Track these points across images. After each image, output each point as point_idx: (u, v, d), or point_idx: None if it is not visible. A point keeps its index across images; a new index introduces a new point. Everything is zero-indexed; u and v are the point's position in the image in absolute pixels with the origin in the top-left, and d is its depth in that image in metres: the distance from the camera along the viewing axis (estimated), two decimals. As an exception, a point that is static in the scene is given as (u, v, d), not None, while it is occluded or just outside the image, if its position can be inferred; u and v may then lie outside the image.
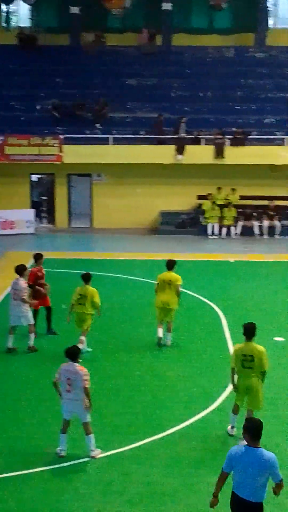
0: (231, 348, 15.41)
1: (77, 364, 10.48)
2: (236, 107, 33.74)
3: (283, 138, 31.59)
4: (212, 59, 36.61)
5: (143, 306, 18.82)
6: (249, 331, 10.96)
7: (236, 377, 11.08)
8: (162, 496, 9.44)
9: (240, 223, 30.71)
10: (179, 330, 16.66)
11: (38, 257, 16.47)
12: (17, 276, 15.25)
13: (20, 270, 15.35)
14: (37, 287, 15.94)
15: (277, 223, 30.62)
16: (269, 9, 37.77)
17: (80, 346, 13.32)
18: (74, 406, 10.37)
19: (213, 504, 7.92)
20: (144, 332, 16.61)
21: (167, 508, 9.17)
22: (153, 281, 16.37)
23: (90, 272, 15.24)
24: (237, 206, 30.99)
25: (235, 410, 11.22)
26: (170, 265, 15.81)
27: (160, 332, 15.56)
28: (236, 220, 30.76)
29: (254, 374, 10.84)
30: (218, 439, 11.13)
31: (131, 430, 11.45)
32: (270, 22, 38.49)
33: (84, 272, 15.31)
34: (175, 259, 16.18)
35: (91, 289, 14.75)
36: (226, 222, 30.61)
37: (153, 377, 13.92)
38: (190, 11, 38.43)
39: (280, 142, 31.62)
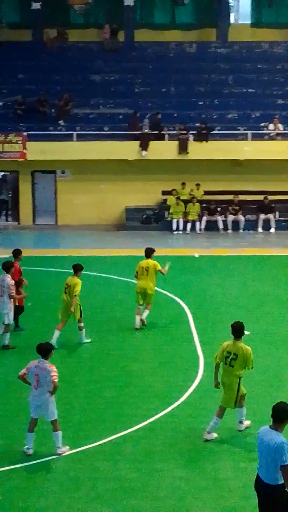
0: (197, 342, 15.54)
1: (47, 361, 10.47)
2: (199, 103, 33.89)
3: (246, 133, 31.82)
4: (174, 54, 36.71)
5: (108, 301, 18.87)
6: (237, 330, 11.07)
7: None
8: (130, 491, 9.48)
9: (205, 218, 30.87)
10: (145, 325, 16.74)
11: (18, 253, 16.51)
12: (4, 272, 15.32)
13: (7, 267, 15.42)
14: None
15: (241, 217, 30.85)
16: (230, 4, 37.97)
17: (82, 332, 15.21)
18: (41, 402, 10.36)
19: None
20: (110, 327, 16.63)
21: (136, 503, 9.21)
22: (119, 278, 16.45)
23: (80, 264, 15.66)
24: (201, 201, 31.15)
25: (220, 414, 11.01)
26: (148, 253, 16.87)
27: (138, 319, 16.47)
28: (200, 215, 30.92)
29: (234, 373, 10.89)
30: (185, 433, 11.19)
31: (98, 426, 11.46)
32: (232, 17, 38.71)
33: (76, 263, 15.77)
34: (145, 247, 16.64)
35: (75, 279, 15.27)
36: (190, 217, 30.76)
37: (120, 372, 13.95)
38: (152, 7, 38.47)
39: (243, 137, 31.84)
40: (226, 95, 34.39)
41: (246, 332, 16.13)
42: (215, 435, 10.94)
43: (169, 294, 19.09)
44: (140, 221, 31.40)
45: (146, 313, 16.77)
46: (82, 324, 15.49)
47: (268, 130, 32.11)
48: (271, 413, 7.75)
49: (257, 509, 7.94)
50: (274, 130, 31.88)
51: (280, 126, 32.02)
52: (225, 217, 30.94)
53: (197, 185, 31.49)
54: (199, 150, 31.11)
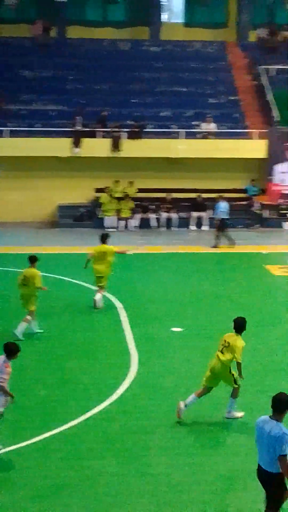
0: (130, 339, 15.53)
1: (8, 362, 10.25)
2: (132, 100, 33.89)
3: (179, 132, 32.02)
4: (107, 52, 36.57)
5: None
6: (238, 325, 11.57)
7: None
8: (62, 489, 9.41)
9: (138, 216, 30.91)
10: (78, 323, 16.67)
11: None
12: None
13: None
14: None
15: (174, 215, 31.02)
16: (162, 3, 38.14)
17: (23, 324, 15.22)
18: None
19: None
20: (40, 325, 16.45)
21: (69, 501, 9.15)
22: (50, 275, 16.34)
23: (35, 255, 15.96)
24: (134, 199, 31.17)
25: (235, 394, 11.53)
26: (103, 238, 18.15)
27: (98, 296, 17.73)
28: (133, 212, 30.95)
29: (222, 358, 11.37)
30: (119, 430, 11.19)
31: (30, 424, 11.35)
32: (164, 16, 38.89)
33: (31, 254, 16.09)
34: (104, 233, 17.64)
35: (33, 270, 15.62)
36: (123, 215, 30.75)
37: (52, 370, 13.84)
38: (84, 4, 38.28)
39: (176, 135, 32.03)
40: (159, 94, 34.49)
41: (179, 329, 16.37)
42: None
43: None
44: (73, 219, 31.21)
45: (98, 296, 17.75)
46: (29, 318, 15.54)
47: (201, 129, 32.40)
48: (271, 402, 7.89)
49: (191, 503, 8.00)
50: (206, 129, 32.18)
51: (213, 125, 32.35)
52: (158, 214, 31.07)
53: (130, 182, 31.50)
54: (132, 148, 31.13)
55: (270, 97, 33.44)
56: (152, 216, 31.04)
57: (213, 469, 9.90)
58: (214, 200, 28.66)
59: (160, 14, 37.91)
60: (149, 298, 19.15)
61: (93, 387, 13.00)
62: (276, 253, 26.11)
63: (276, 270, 22.95)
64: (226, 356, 11.36)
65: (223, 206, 27.69)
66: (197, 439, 10.83)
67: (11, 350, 10.37)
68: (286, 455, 7.59)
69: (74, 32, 36.83)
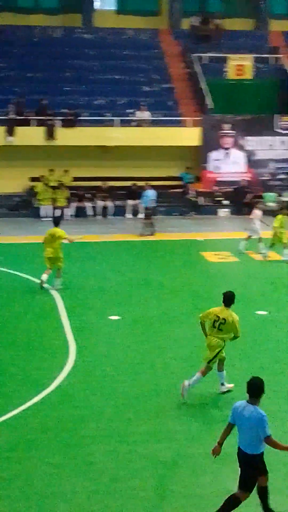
0: (67, 328, 15.47)
1: None
2: (66, 88, 33.60)
3: (113, 120, 31.94)
4: (39, 39, 36.12)
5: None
6: (228, 299, 11.80)
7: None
8: (1, 481, 9.32)
9: (74, 205, 30.76)
10: (12, 312, 16.54)
11: None
12: None
13: None
14: None
15: (110, 204, 30.97)
16: (95, -10, 37.90)
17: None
18: None
19: (214, 452, 8.43)
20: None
21: (8, 492, 9.06)
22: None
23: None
24: (70, 188, 31.00)
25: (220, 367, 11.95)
26: (56, 221, 19.32)
27: (44, 277, 18.43)
28: (69, 201, 30.77)
29: (220, 335, 11.63)
30: (57, 420, 11.12)
31: None
32: (97, 3, 38.61)
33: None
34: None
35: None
36: (59, 204, 30.52)
37: (-12, 362, 13.67)
38: (16, -10, 37.70)
39: (110, 123, 31.94)
40: (93, 81, 34.29)
41: (116, 317, 16.40)
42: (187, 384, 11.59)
43: (38, 281, 18.86)
44: (8, 208, 30.82)
45: (58, 282, 18.59)
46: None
47: (135, 117, 32.39)
48: (246, 388, 8.10)
49: (132, 490, 8.03)
50: (141, 117, 32.20)
51: (147, 113, 32.38)
52: (94, 203, 30.97)
53: (66, 171, 31.28)
54: (67, 136, 30.90)
55: (203, 85, 33.67)
56: (88, 205, 30.93)
57: (154, 456, 9.97)
58: (143, 188, 28.82)
59: (92, 1, 37.70)
60: (86, 287, 19.09)
61: (31, 376, 12.89)
62: (212, 240, 26.41)
63: (211, 256, 23.20)
64: (225, 333, 11.68)
65: (151, 194, 27.87)
66: (138, 427, 10.88)
67: None
68: (270, 435, 7.99)
69: (6, 19, 36.23)
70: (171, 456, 9.97)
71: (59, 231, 18.68)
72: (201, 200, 32.12)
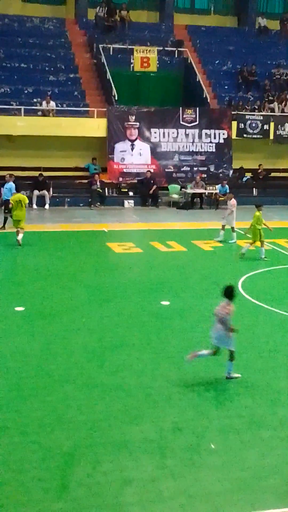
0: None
1: None
2: None
3: (20, 108, 31.64)
4: None
5: None
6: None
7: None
8: None
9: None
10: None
11: None
12: None
13: None
14: None
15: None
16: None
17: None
18: None
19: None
20: None
21: None
22: None
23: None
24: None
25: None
26: (18, 189, 23.64)
27: (20, 236, 22.40)
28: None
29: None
30: None
31: None
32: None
33: None
34: None
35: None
36: None
37: None
38: None
39: (17, 112, 31.63)
40: (-3, 69, 33.88)
41: (21, 308, 16.39)
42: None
43: None
44: None
45: (20, 236, 22.39)
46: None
47: (41, 106, 32.19)
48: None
49: (32, 480, 8.06)
50: (47, 107, 32.04)
51: (52, 103, 32.25)
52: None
53: None
54: None
55: (109, 75, 33.81)
56: (-7, 195, 30.59)
57: (56, 446, 10.08)
58: (57, 179, 28.64)
59: (-4, -12, 37.10)
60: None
61: None
62: (118, 230, 26.67)
63: (117, 247, 23.46)
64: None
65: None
66: (38, 416, 10.94)
67: None
68: None
69: None
70: (72, 446, 10.08)
71: (22, 196, 21.61)
72: (107, 191, 32.31)
